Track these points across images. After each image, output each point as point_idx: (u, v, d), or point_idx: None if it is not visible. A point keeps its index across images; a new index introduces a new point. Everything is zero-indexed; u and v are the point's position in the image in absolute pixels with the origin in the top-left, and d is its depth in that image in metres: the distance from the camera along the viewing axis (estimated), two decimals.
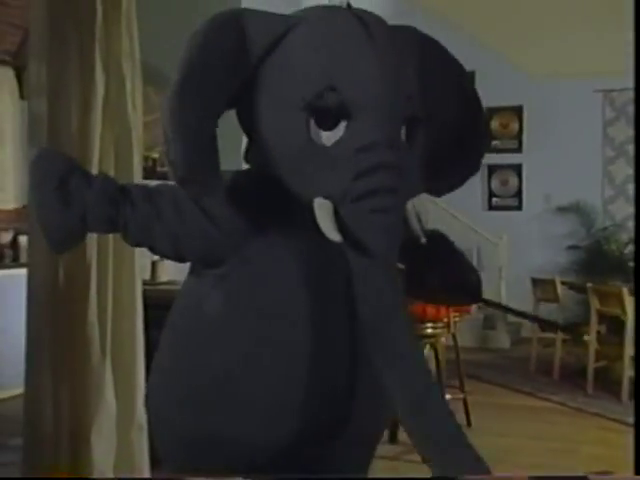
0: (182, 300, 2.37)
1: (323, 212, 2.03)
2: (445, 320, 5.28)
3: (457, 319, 5.55)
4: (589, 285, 7.08)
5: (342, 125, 2.03)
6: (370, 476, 2.52)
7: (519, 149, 10.34)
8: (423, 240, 2.15)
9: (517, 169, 10.33)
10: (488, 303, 2.74)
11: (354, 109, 2.01)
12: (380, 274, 2.06)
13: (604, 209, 10.06)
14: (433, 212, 9.73)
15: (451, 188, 2.46)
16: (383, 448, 5.21)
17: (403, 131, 2.12)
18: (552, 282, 7.62)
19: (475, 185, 10.36)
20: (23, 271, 7.22)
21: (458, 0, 9.93)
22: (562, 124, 9.95)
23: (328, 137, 2.03)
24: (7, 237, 7.81)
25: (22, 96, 7.85)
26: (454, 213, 9.76)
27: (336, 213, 2.02)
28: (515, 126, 10.31)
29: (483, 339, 9.26)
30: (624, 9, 9.16)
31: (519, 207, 10.35)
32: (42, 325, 4.22)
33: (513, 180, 10.37)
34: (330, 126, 2.03)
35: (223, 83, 2.05)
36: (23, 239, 7.71)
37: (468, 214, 9.84)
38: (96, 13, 4.06)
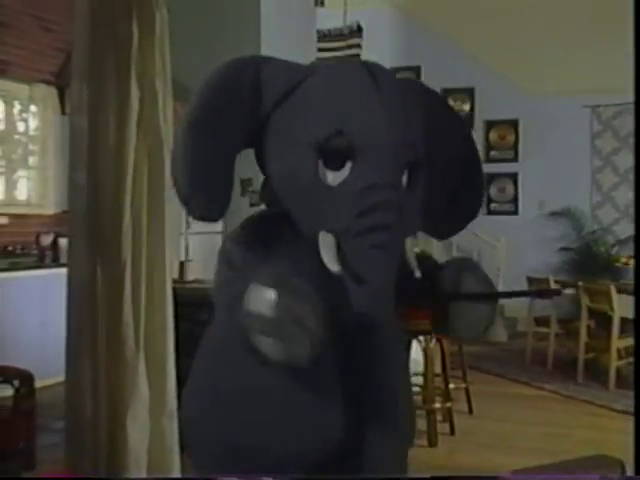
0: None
1: (326, 245, 2.04)
2: None
3: None
4: (580, 284, 7.05)
5: (347, 166, 2.05)
6: None
7: (515, 159, 10.31)
8: (417, 274, 2.12)
9: (513, 177, 10.30)
10: (495, 296, 2.63)
11: (359, 152, 2.03)
12: (375, 304, 2.11)
13: (592, 214, 10.02)
14: None
15: (451, 234, 2.49)
16: None
17: (405, 175, 2.13)
18: (546, 281, 7.58)
19: None
20: (63, 270, 7.23)
21: (459, 22, 9.94)
22: (554, 136, 9.92)
23: (334, 177, 2.05)
24: (48, 239, 7.83)
25: (63, 112, 7.88)
26: None
27: (339, 247, 2.04)
28: (512, 138, 10.28)
29: None
30: (612, 32, 9.17)
31: (515, 212, 10.31)
32: (81, 320, 4.22)
33: (510, 187, 10.33)
34: (337, 167, 2.05)
35: (235, 123, 2.08)
36: (62, 241, 7.73)
37: None
38: (132, 36, 4.07)
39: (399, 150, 2.09)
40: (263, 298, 1.89)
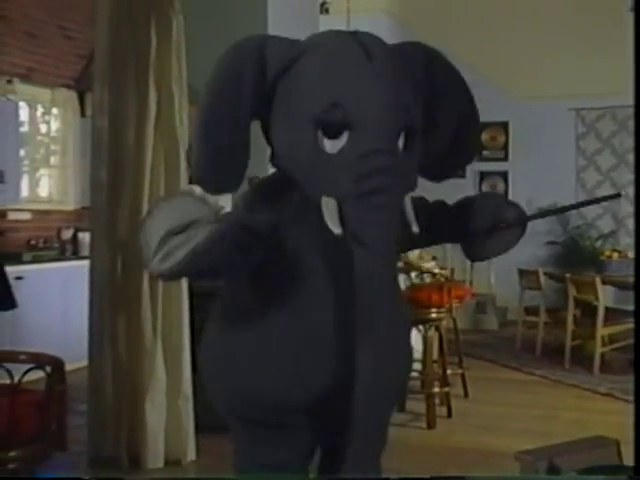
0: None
1: (329, 209, 2.06)
2: (447, 306, 5.22)
3: (457, 305, 5.50)
4: (568, 275, 7.01)
5: (345, 135, 2.05)
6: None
7: (505, 158, 10.25)
8: (415, 229, 2.14)
9: (504, 175, 10.24)
10: (536, 216, 2.83)
11: (355, 121, 2.04)
12: (373, 263, 2.12)
13: (577, 210, 9.97)
14: None
15: (447, 176, 2.50)
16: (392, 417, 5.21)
17: (402, 139, 2.12)
18: (536, 273, 7.55)
19: (468, 189, 10.28)
20: (82, 263, 7.22)
21: (452, 30, 9.91)
22: (542, 138, 9.88)
23: (333, 145, 2.05)
24: (68, 234, 7.81)
25: (83, 114, 7.86)
26: None
27: (340, 210, 2.04)
28: (502, 139, 10.23)
29: (475, 322, 9.20)
30: (597, 38, 9.15)
31: None
32: (102, 310, 4.21)
33: (500, 185, 10.28)
34: (335, 136, 2.05)
35: (244, 102, 2.11)
36: (81, 235, 7.71)
37: None
38: (151, 43, 4.05)
39: (393, 116, 2.09)
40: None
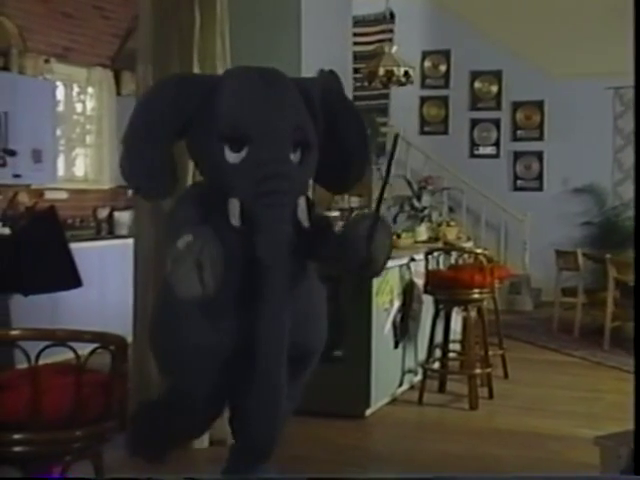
0: None
1: (232, 208, 2.69)
2: (489, 286, 5.16)
3: (498, 286, 5.45)
4: (608, 256, 6.93)
5: (245, 149, 2.67)
6: None
7: (541, 138, 10.11)
8: (305, 224, 2.74)
9: (539, 155, 10.12)
10: None
11: (252, 138, 2.66)
12: (271, 249, 2.65)
13: (614, 191, 9.84)
14: (468, 193, 9.64)
15: (345, 189, 3.39)
16: (432, 397, 5.20)
17: (299, 153, 2.74)
18: (574, 254, 7.47)
19: (502, 169, 10.21)
20: (118, 242, 7.24)
21: (487, 9, 9.79)
22: (578, 117, 9.73)
23: (236, 157, 2.68)
24: (104, 213, 7.81)
25: (119, 93, 7.86)
26: (485, 194, 9.62)
27: (243, 208, 2.67)
28: (537, 118, 10.08)
29: (509, 302, 9.10)
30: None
31: (540, 188, 10.13)
32: (147, 286, 4.21)
33: (535, 165, 10.16)
34: (237, 150, 2.67)
35: (163, 124, 2.72)
36: (117, 214, 7.72)
37: (496, 195, 9.70)
38: (194, 20, 4.02)
39: (285, 133, 2.70)
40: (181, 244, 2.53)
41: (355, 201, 8.95)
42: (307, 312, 2.91)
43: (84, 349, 2.34)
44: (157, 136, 2.72)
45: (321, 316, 3.04)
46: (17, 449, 2.35)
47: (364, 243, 2.82)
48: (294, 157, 2.73)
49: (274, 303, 2.68)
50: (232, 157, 2.65)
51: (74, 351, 2.27)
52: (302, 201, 2.74)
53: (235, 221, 2.65)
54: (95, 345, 2.35)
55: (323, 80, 3.01)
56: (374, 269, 3.00)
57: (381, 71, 7.51)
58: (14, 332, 2.49)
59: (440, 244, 6.15)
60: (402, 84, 7.76)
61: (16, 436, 2.32)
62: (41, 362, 2.40)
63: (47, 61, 7.01)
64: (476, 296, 5.10)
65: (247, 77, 2.79)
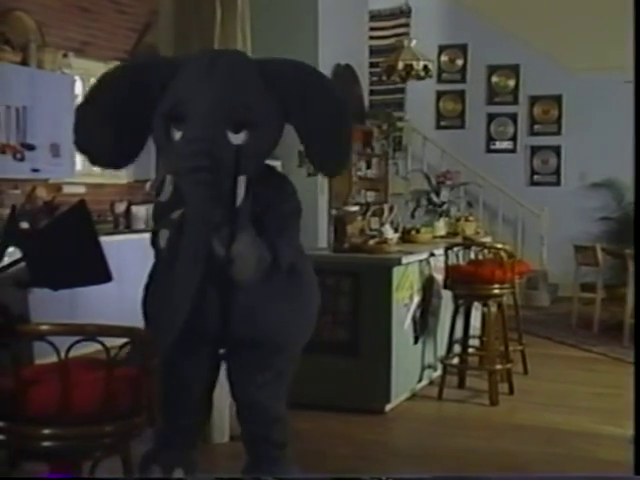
0: None
1: (167, 182, 2.95)
2: (509, 282, 5.15)
3: (518, 281, 5.43)
4: (627, 252, 6.90)
5: (183, 127, 2.80)
6: None
7: (558, 132, 10.08)
8: (238, 203, 2.79)
9: (556, 150, 10.09)
10: None
11: (189, 117, 2.79)
12: (200, 224, 2.80)
13: (633, 185, 9.80)
14: (485, 188, 9.62)
15: (330, 171, 3.25)
16: (452, 392, 5.19)
17: (243, 134, 2.79)
18: (593, 249, 7.44)
19: (519, 164, 10.18)
20: (135, 236, 7.25)
21: (504, 2, 9.75)
22: (596, 111, 9.68)
23: (177, 134, 2.82)
24: (122, 207, 7.82)
25: None
26: (502, 188, 9.60)
27: (175, 185, 2.89)
28: (555, 112, 10.04)
29: (526, 298, 9.06)
30: None
31: (558, 183, 10.10)
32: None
33: (553, 159, 10.12)
34: (179, 128, 2.81)
35: (115, 106, 2.92)
36: (134, 209, 7.73)
37: (513, 190, 9.68)
38: (215, 14, 4.02)
39: (220, 114, 2.78)
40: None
41: (372, 195, 9.03)
42: (264, 297, 2.95)
43: (110, 344, 2.35)
44: (109, 112, 2.91)
45: (285, 306, 3.03)
46: (46, 444, 2.36)
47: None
48: (235, 137, 2.79)
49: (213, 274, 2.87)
50: (176, 135, 2.83)
51: (104, 346, 2.28)
52: (242, 180, 2.81)
53: (164, 197, 2.97)
54: (124, 340, 2.36)
55: (299, 65, 2.98)
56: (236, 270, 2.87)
57: (400, 65, 7.49)
58: (44, 327, 2.49)
59: (458, 239, 6.14)
60: (421, 78, 7.75)
61: (46, 431, 2.33)
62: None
63: (65, 55, 7.04)
64: (496, 291, 5.09)
65: (197, 59, 2.95)
